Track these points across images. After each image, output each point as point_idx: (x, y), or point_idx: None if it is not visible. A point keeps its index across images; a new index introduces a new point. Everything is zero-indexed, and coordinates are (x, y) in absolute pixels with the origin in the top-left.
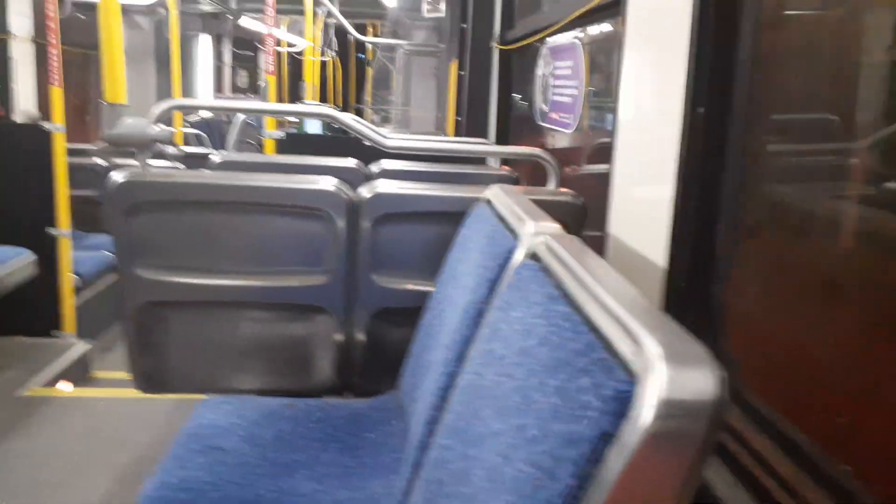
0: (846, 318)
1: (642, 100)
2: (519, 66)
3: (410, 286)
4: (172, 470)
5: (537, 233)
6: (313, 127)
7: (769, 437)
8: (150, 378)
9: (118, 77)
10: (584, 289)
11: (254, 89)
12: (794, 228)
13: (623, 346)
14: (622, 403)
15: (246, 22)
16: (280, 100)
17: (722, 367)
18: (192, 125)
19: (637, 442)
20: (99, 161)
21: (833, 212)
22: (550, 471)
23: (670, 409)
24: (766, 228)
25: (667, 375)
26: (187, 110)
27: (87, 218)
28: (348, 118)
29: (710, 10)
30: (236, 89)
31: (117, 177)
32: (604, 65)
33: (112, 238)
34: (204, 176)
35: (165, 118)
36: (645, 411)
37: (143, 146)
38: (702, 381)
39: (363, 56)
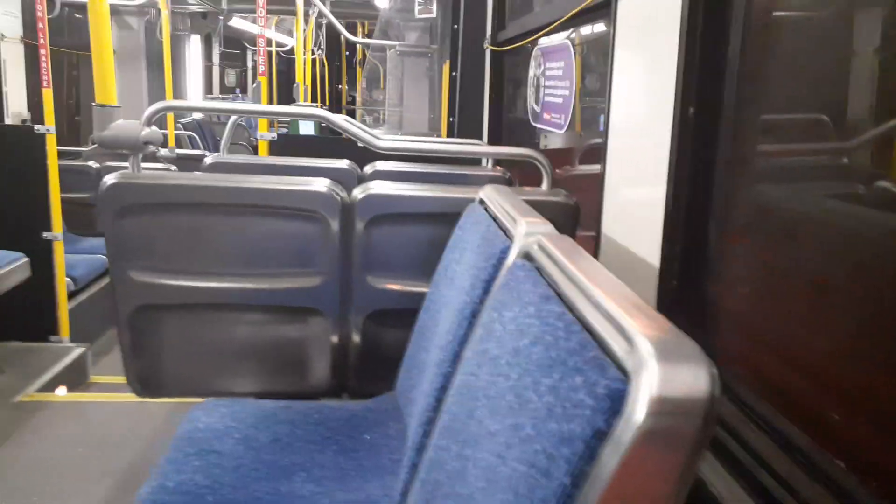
0: (837, 315)
1: (633, 100)
2: (511, 67)
3: (405, 287)
4: (168, 474)
5: (530, 233)
6: (306, 128)
7: (765, 433)
8: (146, 382)
9: (108, 78)
10: (576, 288)
11: (242, 88)
12: (785, 227)
13: (615, 344)
14: (615, 401)
15: (236, 22)
16: (271, 101)
17: (714, 364)
18: (185, 127)
19: (630, 439)
20: (92, 164)
21: (824, 210)
22: (545, 469)
23: (663, 406)
24: (757, 227)
25: (659, 373)
26: (179, 112)
27: (80, 221)
28: (340, 119)
29: (700, 10)
30: (225, 89)
31: (109, 179)
32: (595, 65)
33: (105, 240)
34: (196, 177)
35: (157, 120)
36: (638, 409)
37: (135, 148)
38: (694, 378)
39: (347, 55)
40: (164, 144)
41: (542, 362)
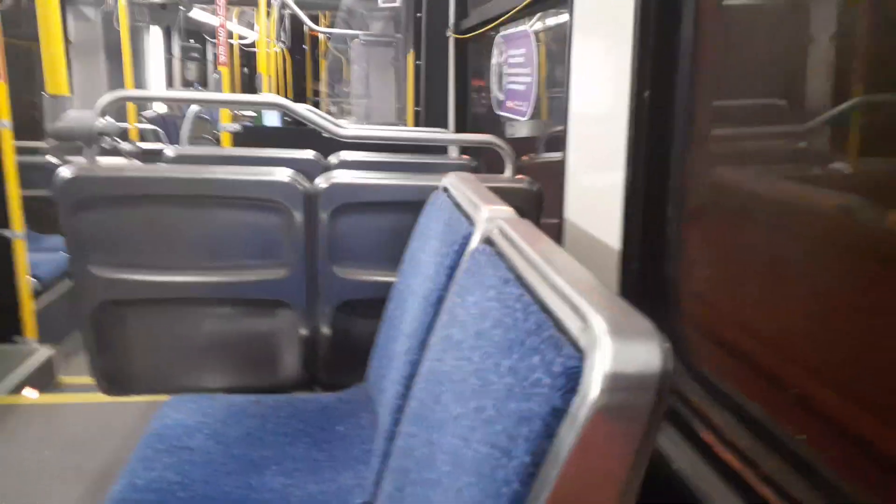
0: (796, 293)
1: (592, 86)
2: (475, 55)
3: (373, 277)
4: (138, 471)
5: (492, 218)
6: (271, 119)
7: (728, 409)
8: (113, 380)
9: (59, 66)
10: (535, 270)
11: (203, 81)
12: (742, 208)
13: (571, 323)
14: (571, 379)
15: (197, 13)
16: (233, 92)
17: (669, 341)
18: (148, 121)
19: (586, 415)
20: (51, 159)
21: (780, 191)
22: (506, 449)
23: (617, 382)
24: (715, 209)
25: (612, 349)
26: (135, 101)
27: (42, 219)
28: (302, 108)
29: None
30: (186, 83)
31: (65, 172)
32: (556, 52)
33: (63, 236)
34: (154, 169)
35: (114, 111)
36: (592, 385)
37: (89, 140)
38: (647, 354)
39: (306, 48)
40: (124, 136)
41: (502, 344)
